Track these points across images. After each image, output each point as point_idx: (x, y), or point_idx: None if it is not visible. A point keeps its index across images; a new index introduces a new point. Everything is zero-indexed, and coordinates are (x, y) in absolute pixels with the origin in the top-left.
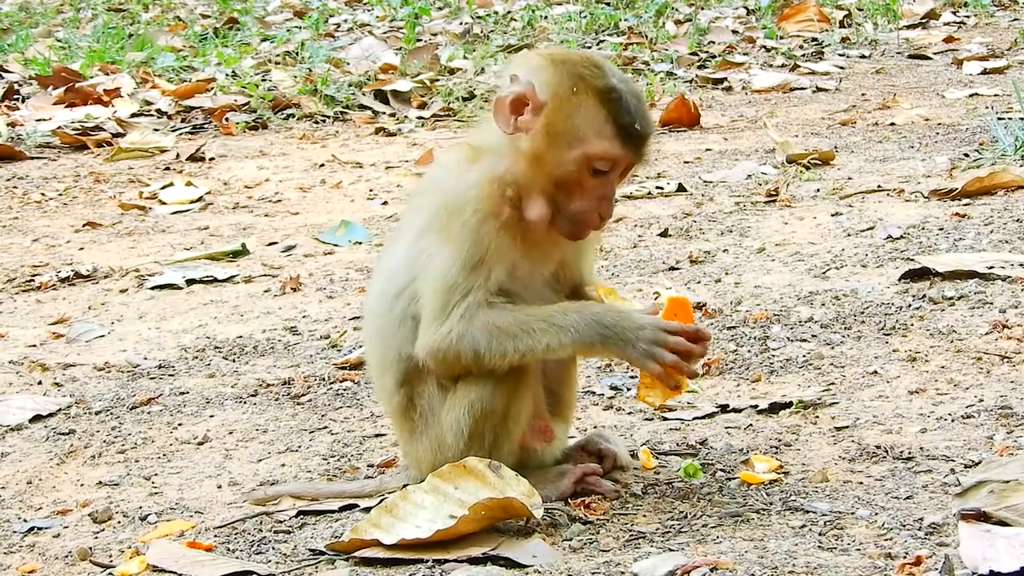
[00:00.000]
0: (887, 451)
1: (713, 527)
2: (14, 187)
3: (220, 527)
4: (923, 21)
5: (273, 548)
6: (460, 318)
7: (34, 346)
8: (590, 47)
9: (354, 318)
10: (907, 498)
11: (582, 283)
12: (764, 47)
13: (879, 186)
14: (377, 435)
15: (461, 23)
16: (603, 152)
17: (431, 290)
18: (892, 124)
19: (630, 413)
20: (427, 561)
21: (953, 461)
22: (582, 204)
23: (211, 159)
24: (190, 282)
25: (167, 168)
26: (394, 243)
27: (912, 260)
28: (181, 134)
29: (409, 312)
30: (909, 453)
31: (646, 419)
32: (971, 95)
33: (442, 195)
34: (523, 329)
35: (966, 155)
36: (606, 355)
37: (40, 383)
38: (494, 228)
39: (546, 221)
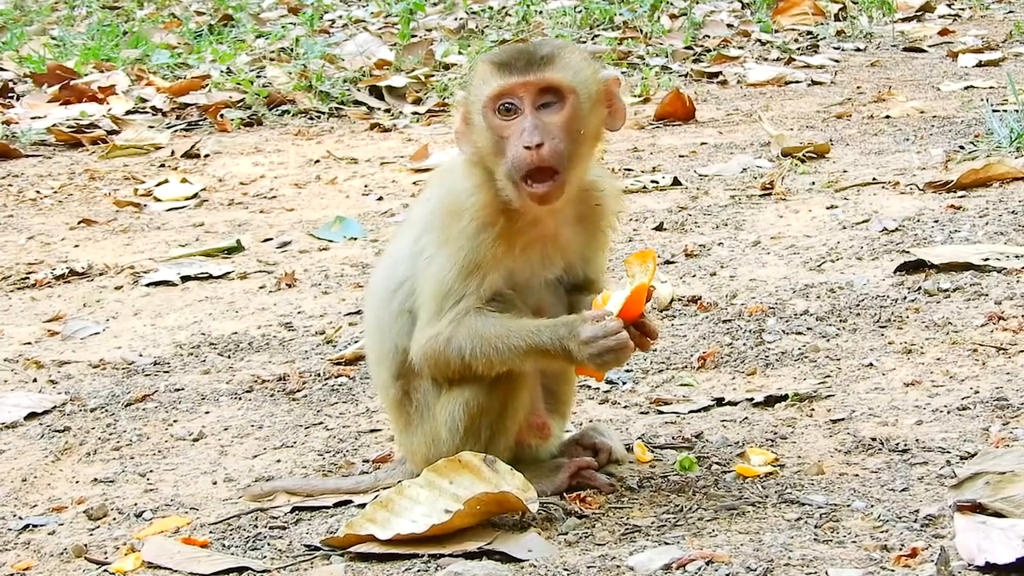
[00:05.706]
0: (883, 443)
1: (709, 520)
2: (9, 185)
3: (215, 523)
4: (918, 14)
5: (268, 544)
6: (450, 322)
7: (29, 343)
8: (585, 42)
9: (349, 314)
10: (903, 490)
11: (587, 284)
12: (759, 41)
13: (874, 179)
14: (372, 431)
15: (456, 18)
16: (491, 91)
17: (427, 294)
18: (887, 117)
19: (625, 407)
20: (422, 556)
21: (949, 453)
22: (511, 151)
23: (206, 156)
24: (185, 279)
25: (162, 165)
26: (401, 233)
27: (907, 252)
28: (176, 131)
29: (407, 306)
30: (905, 445)
31: (641, 413)
32: (966, 87)
33: (445, 196)
34: (505, 344)
35: (961, 147)
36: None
37: (35, 380)
38: (491, 236)
39: (534, 207)
